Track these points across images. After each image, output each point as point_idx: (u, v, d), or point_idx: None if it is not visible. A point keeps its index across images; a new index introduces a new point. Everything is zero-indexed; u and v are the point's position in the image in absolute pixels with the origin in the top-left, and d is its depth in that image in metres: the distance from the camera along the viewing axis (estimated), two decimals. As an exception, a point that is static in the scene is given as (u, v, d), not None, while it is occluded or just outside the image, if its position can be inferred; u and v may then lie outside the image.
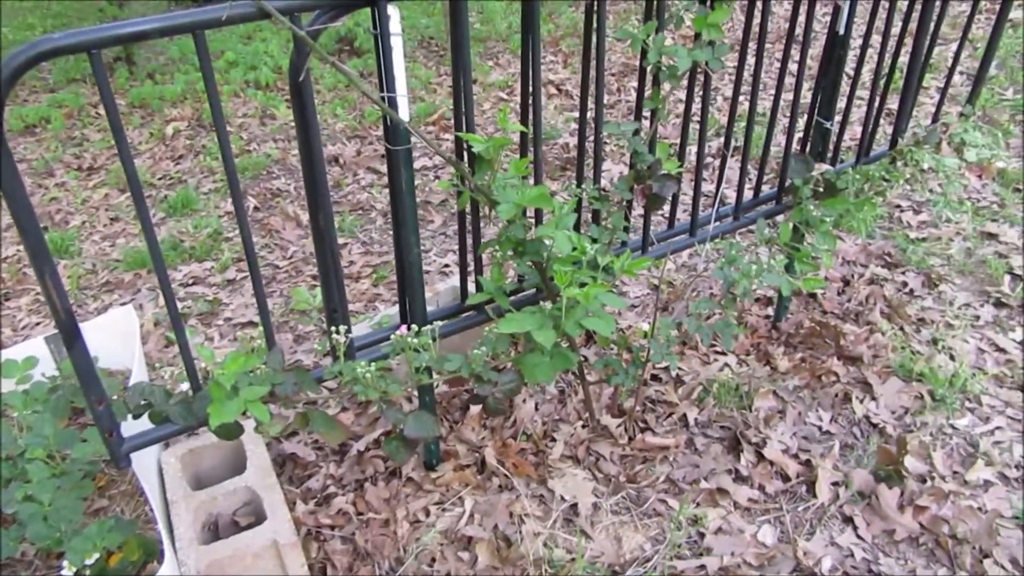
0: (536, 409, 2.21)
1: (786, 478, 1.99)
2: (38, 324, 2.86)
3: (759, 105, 2.11)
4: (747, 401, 2.20)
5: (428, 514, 1.93)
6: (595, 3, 1.60)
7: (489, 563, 1.80)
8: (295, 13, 1.28)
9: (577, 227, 1.85)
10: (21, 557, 1.89)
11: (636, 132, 1.82)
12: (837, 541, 1.82)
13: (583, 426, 2.15)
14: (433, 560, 1.82)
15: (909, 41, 2.16)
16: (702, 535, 1.85)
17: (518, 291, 1.90)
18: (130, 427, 1.56)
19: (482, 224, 1.79)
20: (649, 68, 1.73)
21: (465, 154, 1.60)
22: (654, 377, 2.31)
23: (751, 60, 1.94)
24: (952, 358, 2.31)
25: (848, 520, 1.87)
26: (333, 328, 1.57)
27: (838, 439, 2.09)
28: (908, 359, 2.30)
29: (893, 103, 2.46)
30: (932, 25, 2.15)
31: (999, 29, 2.34)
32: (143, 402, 1.48)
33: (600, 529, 1.89)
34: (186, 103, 4.70)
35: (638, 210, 2.84)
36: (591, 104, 1.75)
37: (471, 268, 1.85)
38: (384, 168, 3.56)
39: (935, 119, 2.48)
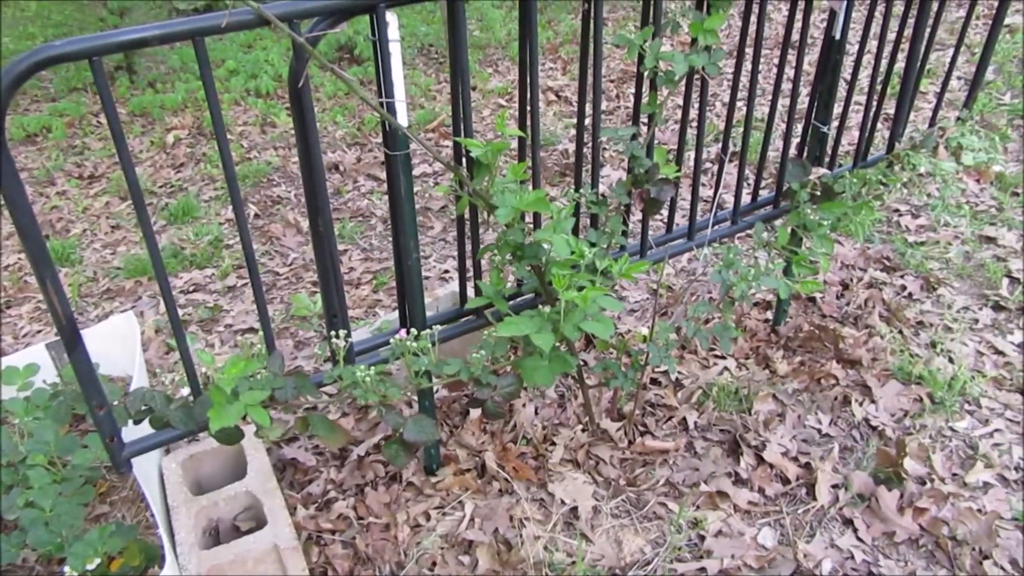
0: (536, 413, 2.21)
1: (786, 481, 1.99)
2: (39, 332, 2.87)
3: (757, 110, 2.12)
4: (746, 404, 2.20)
5: (428, 518, 1.93)
6: (592, 9, 1.62)
7: (490, 567, 1.80)
8: (294, 20, 1.29)
9: (575, 231, 1.86)
10: (22, 563, 1.90)
11: (634, 137, 1.83)
12: (837, 543, 1.82)
13: (583, 430, 2.15)
14: (434, 564, 1.82)
15: (906, 46, 2.17)
16: (702, 538, 1.86)
17: (517, 295, 1.91)
18: (131, 432, 1.56)
19: (481, 229, 1.80)
20: (646, 73, 1.75)
21: (464, 159, 1.61)
22: (653, 381, 2.32)
23: (748, 65, 1.95)
24: (951, 361, 2.31)
25: (848, 522, 1.88)
26: (333, 333, 1.57)
27: (837, 442, 2.09)
28: (907, 362, 2.30)
29: (890, 107, 2.47)
30: (928, 30, 2.16)
31: (995, 34, 2.35)
32: (144, 407, 1.48)
33: (600, 532, 1.89)
34: (187, 111, 4.72)
35: (636, 215, 2.85)
36: (589, 110, 1.76)
37: (470, 273, 1.86)
38: (384, 175, 3.57)
39: (932, 123, 2.49)
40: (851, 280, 2.69)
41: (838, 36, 2.00)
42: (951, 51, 2.41)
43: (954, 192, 3.12)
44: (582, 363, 2.20)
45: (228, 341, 2.73)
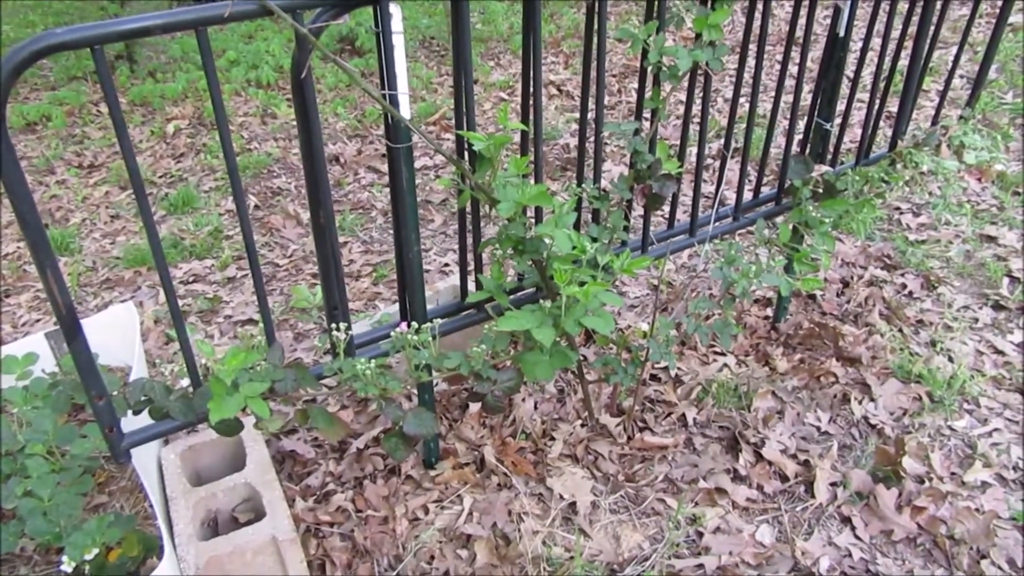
0: (535, 408, 2.21)
1: (784, 478, 1.99)
2: (38, 321, 2.86)
3: (759, 106, 2.11)
4: (746, 401, 2.20)
5: (427, 512, 1.93)
6: (596, 4, 1.61)
7: (488, 561, 1.80)
8: (297, 10, 1.29)
9: (577, 226, 1.85)
10: (20, 552, 1.90)
11: (636, 132, 1.83)
12: (835, 541, 1.83)
13: (582, 425, 2.15)
14: (432, 558, 1.83)
15: (909, 44, 2.16)
16: (700, 534, 1.86)
17: (518, 289, 1.91)
18: (130, 423, 1.56)
19: (482, 223, 1.80)
20: (650, 68, 1.74)
21: (466, 153, 1.61)
22: (653, 377, 2.32)
23: (751, 62, 1.95)
24: (951, 360, 2.32)
25: (846, 520, 1.88)
26: (333, 325, 1.57)
27: (836, 439, 2.09)
28: (907, 360, 2.30)
29: (893, 105, 2.47)
30: (932, 28, 2.16)
31: (999, 33, 2.35)
32: (143, 398, 1.48)
33: (599, 528, 1.89)
34: (187, 101, 4.71)
35: (638, 210, 2.84)
36: (592, 104, 1.75)
37: (471, 266, 1.85)
38: (385, 167, 3.56)
39: (935, 122, 2.49)
40: (852, 278, 2.69)
41: (842, 33, 2.00)
42: (954, 49, 2.41)
43: (955, 191, 3.12)
44: (582, 358, 2.20)
45: (228, 332, 2.72)
